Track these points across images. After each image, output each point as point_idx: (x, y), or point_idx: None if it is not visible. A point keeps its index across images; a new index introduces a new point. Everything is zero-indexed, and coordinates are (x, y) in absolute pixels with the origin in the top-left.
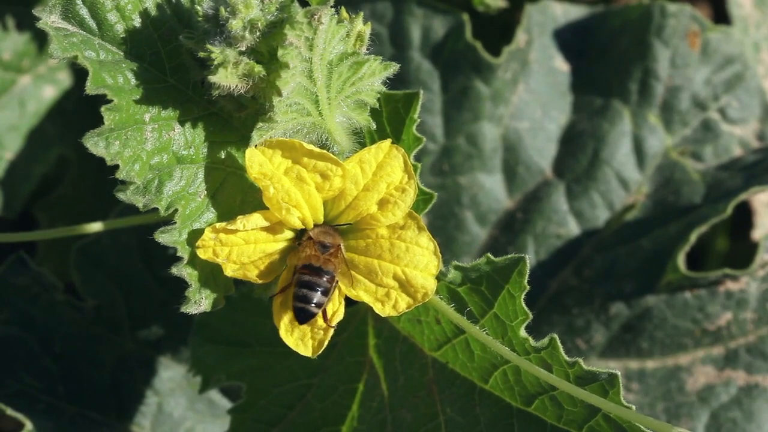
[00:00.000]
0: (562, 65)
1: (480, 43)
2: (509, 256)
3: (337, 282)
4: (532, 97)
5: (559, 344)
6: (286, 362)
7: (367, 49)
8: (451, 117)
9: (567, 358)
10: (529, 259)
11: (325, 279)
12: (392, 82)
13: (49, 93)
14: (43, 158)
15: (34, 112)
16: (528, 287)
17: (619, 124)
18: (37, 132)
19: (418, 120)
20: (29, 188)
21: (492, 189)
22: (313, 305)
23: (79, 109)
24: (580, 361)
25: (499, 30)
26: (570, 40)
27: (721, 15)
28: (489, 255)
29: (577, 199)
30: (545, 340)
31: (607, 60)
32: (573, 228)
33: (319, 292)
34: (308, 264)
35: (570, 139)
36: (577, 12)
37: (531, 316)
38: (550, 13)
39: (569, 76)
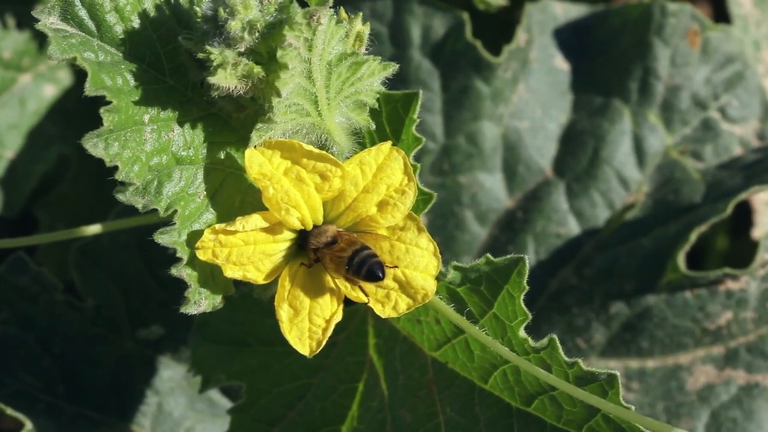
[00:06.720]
0: (562, 64)
1: (480, 42)
2: (509, 256)
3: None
4: (532, 96)
5: (559, 345)
6: (286, 362)
7: (367, 49)
8: (451, 116)
9: (566, 359)
10: (529, 259)
11: (363, 249)
12: (392, 82)
13: (50, 92)
14: (44, 157)
15: (35, 110)
16: (527, 287)
17: (619, 123)
18: (37, 131)
19: (418, 120)
20: (29, 187)
21: (492, 188)
22: (377, 267)
23: (79, 108)
24: (580, 361)
25: (499, 29)
26: (570, 39)
27: (721, 14)
28: (488, 255)
29: (577, 198)
30: (544, 341)
31: (608, 59)
32: (573, 227)
33: (372, 259)
34: (340, 257)
35: (570, 138)
36: (577, 11)
37: (530, 316)
38: (550, 12)
39: (569, 75)
